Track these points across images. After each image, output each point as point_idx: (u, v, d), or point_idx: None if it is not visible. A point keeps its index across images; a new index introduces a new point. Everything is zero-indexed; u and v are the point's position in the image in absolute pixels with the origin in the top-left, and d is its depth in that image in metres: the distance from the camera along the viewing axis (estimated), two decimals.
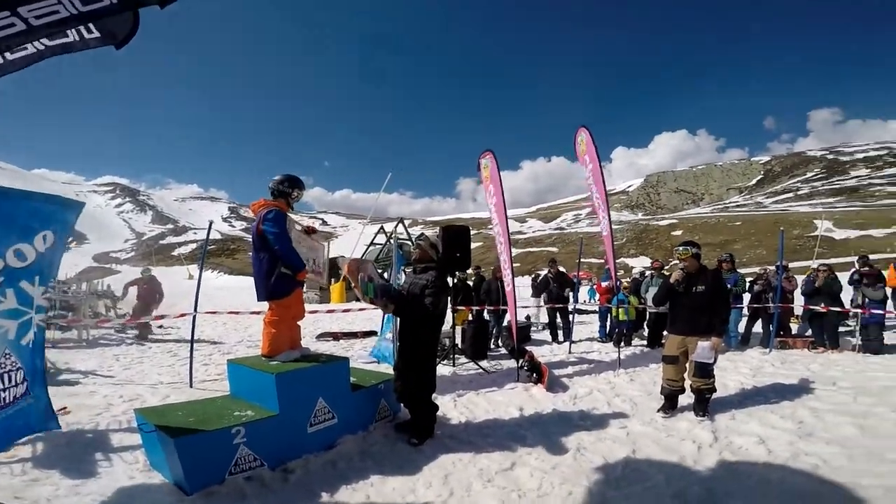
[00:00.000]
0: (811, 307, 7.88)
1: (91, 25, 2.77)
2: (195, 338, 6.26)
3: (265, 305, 4.03)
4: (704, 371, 4.34)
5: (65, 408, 4.48)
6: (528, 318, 10.80)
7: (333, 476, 3.21)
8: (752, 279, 9.01)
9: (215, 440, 3.08)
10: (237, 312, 8.59)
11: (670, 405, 4.59)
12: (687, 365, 4.49)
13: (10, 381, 2.76)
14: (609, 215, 6.75)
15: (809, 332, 8.32)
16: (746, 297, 8.68)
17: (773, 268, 9.23)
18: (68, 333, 8.99)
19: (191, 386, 5.67)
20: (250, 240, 3.91)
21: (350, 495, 2.95)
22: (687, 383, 4.53)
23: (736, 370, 6.38)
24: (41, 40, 2.69)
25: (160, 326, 11.15)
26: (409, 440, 3.83)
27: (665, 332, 4.83)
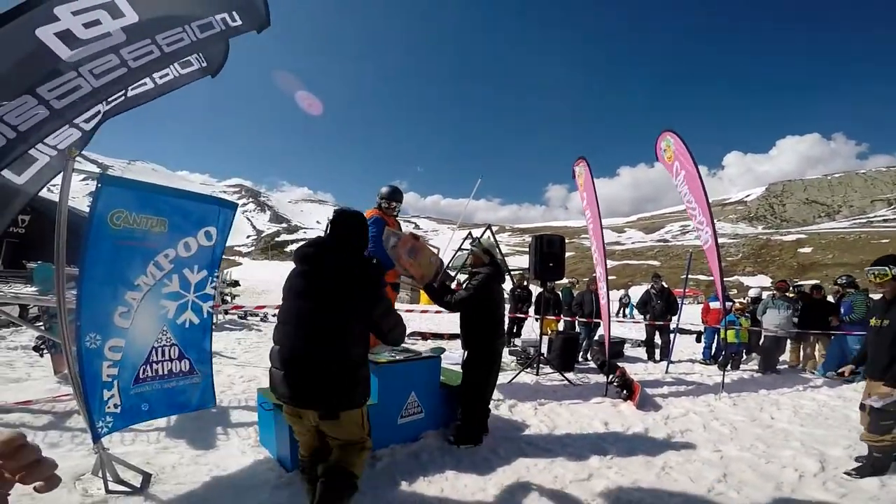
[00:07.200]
0: None
1: (200, 54, 3.27)
2: None
3: None
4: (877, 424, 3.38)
5: None
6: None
7: (415, 467, 3.36)
8: None
9: None
10: None
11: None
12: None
13: (165, 355, 3.15)
14: (714, 226, 6.21)
15: None
16: None
17: None
18: None
19: None
20: None
21: (427, 486, 3.09)
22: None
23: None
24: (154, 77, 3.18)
25: (275, 315, 12.42)
26: (446, 437, 3.85)
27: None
